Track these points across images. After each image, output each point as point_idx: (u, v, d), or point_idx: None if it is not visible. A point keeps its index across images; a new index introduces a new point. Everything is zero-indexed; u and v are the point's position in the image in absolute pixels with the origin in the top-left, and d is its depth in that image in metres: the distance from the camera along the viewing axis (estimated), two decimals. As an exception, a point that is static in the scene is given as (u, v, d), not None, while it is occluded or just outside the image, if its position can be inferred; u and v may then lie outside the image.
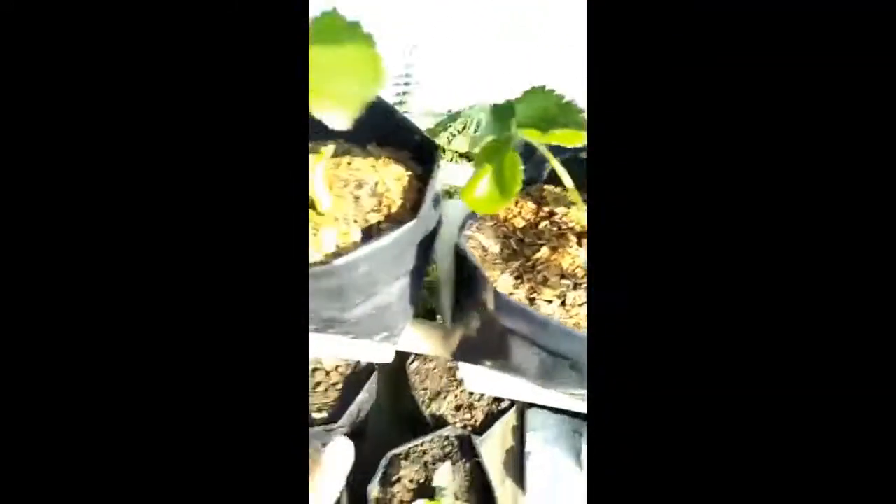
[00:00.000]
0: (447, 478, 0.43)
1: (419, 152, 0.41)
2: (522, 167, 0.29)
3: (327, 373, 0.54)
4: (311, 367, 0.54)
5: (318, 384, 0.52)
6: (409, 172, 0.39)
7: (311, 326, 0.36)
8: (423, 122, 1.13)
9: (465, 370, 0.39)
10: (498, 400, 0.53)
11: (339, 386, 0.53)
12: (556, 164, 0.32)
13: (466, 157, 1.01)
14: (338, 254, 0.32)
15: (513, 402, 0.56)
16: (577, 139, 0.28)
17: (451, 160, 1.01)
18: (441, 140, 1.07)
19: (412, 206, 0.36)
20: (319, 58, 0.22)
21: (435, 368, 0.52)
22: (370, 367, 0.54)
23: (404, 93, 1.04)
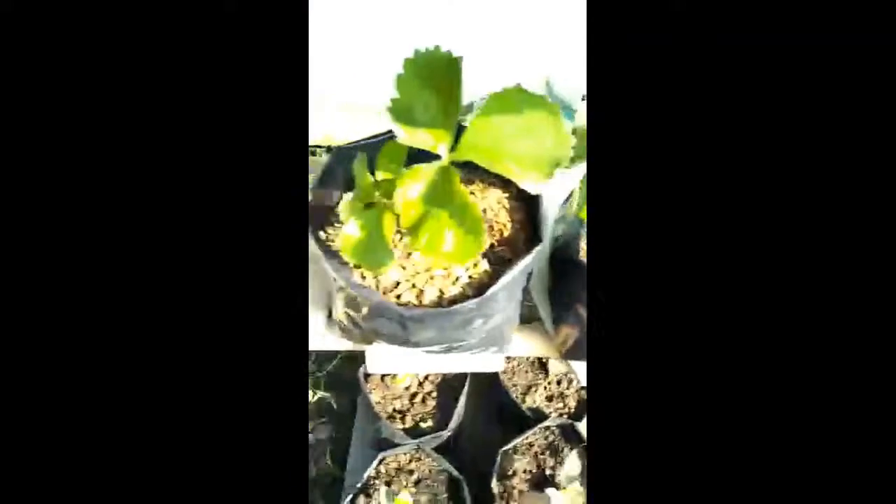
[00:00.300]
0: (576, 467, 0.47)
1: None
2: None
3: (420, 383, 0.57)
4: (405, 380, 0.56)
5: (414, 395, 0.55)
6: (506, 194, 0.40)
7: (438, 350, 0.38)
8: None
9: (576, 367, 0.42)
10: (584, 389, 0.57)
11: (435, 394, 0.55)
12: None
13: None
14: (477, 286, 0.34)
15: None
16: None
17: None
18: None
19: (521, 226, 0.38)
20: (506, 128, 0.24)
21: (520, 364, 0.56)
22: (461, 373, 0.57)
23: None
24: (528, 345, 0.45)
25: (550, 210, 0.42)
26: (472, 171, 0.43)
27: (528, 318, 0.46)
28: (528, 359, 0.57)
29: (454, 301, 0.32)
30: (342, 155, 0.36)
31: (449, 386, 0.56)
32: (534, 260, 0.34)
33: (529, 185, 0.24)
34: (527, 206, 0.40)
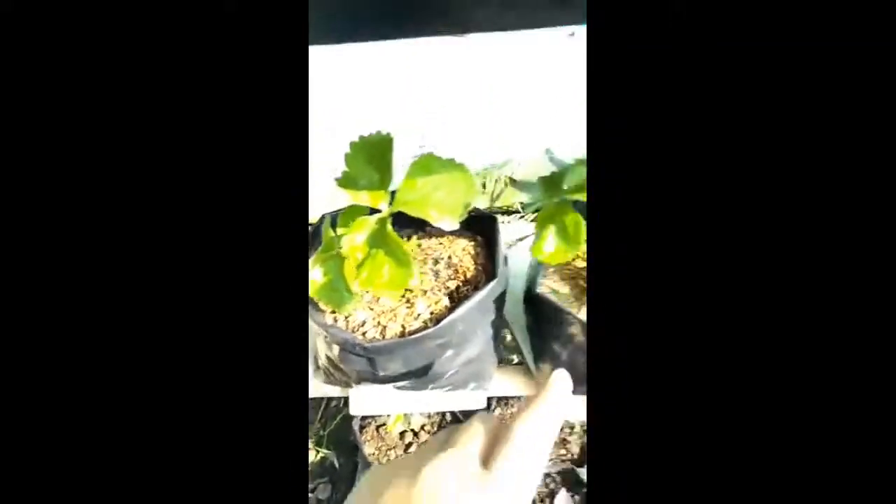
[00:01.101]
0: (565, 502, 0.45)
1: (474, 224, 0.48)
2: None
3: (415, 433, 0.58)
4: (400, 430, 0.58)
5: (408, 446, 0.56)
6: (472, 242, 0.46)
7: (409, 386, 0.41)
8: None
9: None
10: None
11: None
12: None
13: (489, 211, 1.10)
14: (435, 319, 0.38)
15: None
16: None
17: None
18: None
19: (483, 268, 0.43)
20: (426, 185, 0.30)
21: (518, 410, 0.56)
22: (455, 421, 0.58)
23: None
24: (510, 384, 0.47)
25: (519, 254, 0.47)
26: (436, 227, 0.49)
27: (511, 358, 0.48)
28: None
29: (414, 333, 0.37)
30: (321, 222, 0.43)
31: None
32: (490, 294, 0.38)
33: (446, 225, 0.29)
34: (489, 252, 0.44)
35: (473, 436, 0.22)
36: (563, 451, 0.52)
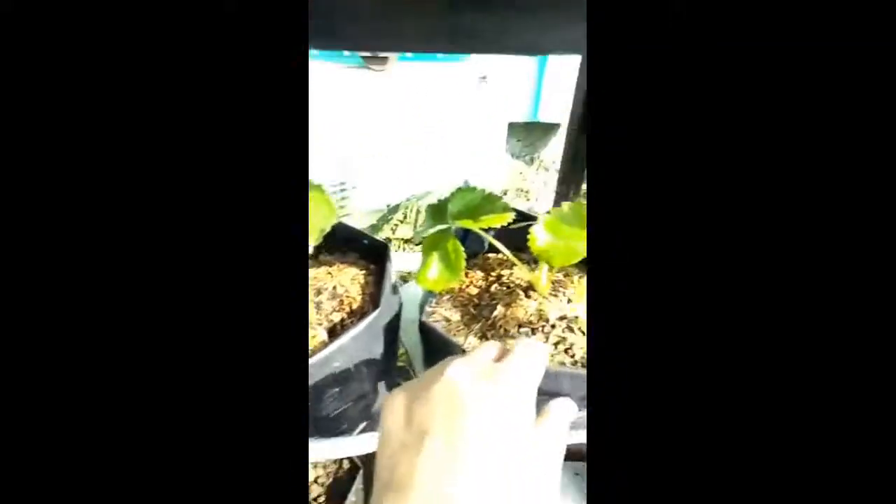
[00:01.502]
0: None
1: (370, 253, 0.46)
2: (463, 248, 0.34)
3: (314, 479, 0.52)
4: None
5: (303, 503, 0.50)
6: (363, 271, 0.43)
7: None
8: (367, 220, 1.22)
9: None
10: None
11: (323, 499, 0.50)
12: (491, 239, 0.38)
13: (411, 242, 1.09)
14: (311, 355, 0.34)
15: None
16: (502, 220, 0.34)
17: (399, 248, 1.08)
18: (386, 231, 1.15)
19: (372, 299, 0.40)
20: None
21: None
22: (353, 469, 0.52)
23: (343, 198, 1.12)
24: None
25: (413, 289, 0.45)
26: (334, 255, 0.47)
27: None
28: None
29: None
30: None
31: (340, 485, 0.51)
32: (372, 326, 0.35)
33: (302, 247, 0.27)
34: (379, 282, 0.42)
35: (485, 348, 0.26)
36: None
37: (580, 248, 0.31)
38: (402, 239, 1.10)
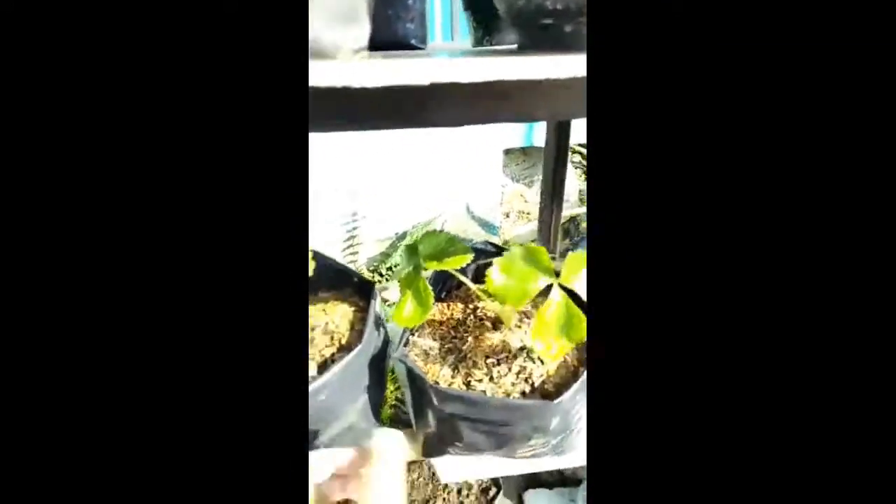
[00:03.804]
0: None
1: (361, 290, 0.50)
2: (431, 289, 0.38)
3: None
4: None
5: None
6: (353, 308, 0.47)
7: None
8: (377, 248, 1.27)
9: (437, 464, 0.43)
10: (485, 492, 0.55)
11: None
12: (460, 276, 0.42)
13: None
14: (303, 390, 0.38)
15: (499, 490, 0.57)
16: (464, 261, 0.38)
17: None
18: (395, 258, 1.20)
19: (359, 334, 0.44)
20: None
21: (419, 478, 0.54)
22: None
23: (355, 228, 1.18)
24: (397, 450, 0.46)
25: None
26: (329, 290, 0.51)
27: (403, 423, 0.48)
28: (428, 470, 0.56)
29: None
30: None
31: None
32: (355, 360, 0.39)
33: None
34: (364, 319, 0.46)
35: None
36: None
37: (531, 289, 0.34)
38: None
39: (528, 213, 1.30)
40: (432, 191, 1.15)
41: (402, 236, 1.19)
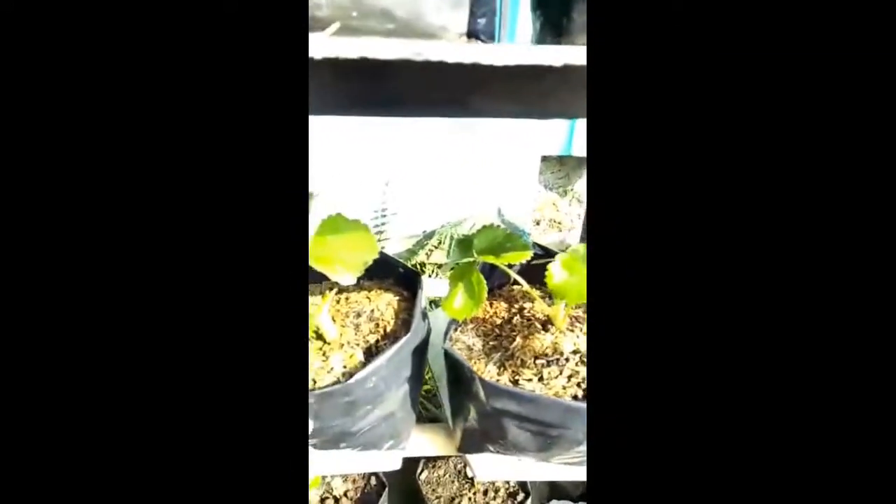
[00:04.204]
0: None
1: (404, 279, 0.50)
2: (485, 281, 0.38)
3: (336, 500, 0.55)
4: (320, 496, 0.55)
5: (331, 512, 0.53)
6: (397, 297, 0.47)
7: (321, 444, 0.40)
8: (404, 244, 1.28)
9: (473, 461, 0.42)
10: (512, 496, 0.54)
11: (353, 511, 0.53)
12: (513, 273, 0.41)
13: (444, 268, 1.14)
14: (348, 374, 0.38)
15: (527, 496, 0.56)
16: (522, 257, 0.38)
17: (432, 272, 1.13)
18: (421, 256, 1.20)
19: (404, 323, 0.44)
20: (334, 242, 0.32)
21: (445, 475, 0.54)
22: (380, 487, 0.55)
23: (383, 223, 1.19)
24: (428, 443, 0.46)
25: (440, 315, 0.48)
26: (371, 280, 0.51)
27: (434, 418, 0.48)
28: (454, 468, 0.55)
29: (328, 385, 0.37)
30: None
31: (369, 501, 0.54)
32: (403, 349, 0.39)
33: (345, 280, 0.31)
34: (410, 309, 0.46)
35: None
36: None
37: (593, 287, 0.34)
38: (436, 264, 1.14)
39: (559, 223, 1.30)
40: (465, 191, 1.16)
41: (430, 235, 1.19)
